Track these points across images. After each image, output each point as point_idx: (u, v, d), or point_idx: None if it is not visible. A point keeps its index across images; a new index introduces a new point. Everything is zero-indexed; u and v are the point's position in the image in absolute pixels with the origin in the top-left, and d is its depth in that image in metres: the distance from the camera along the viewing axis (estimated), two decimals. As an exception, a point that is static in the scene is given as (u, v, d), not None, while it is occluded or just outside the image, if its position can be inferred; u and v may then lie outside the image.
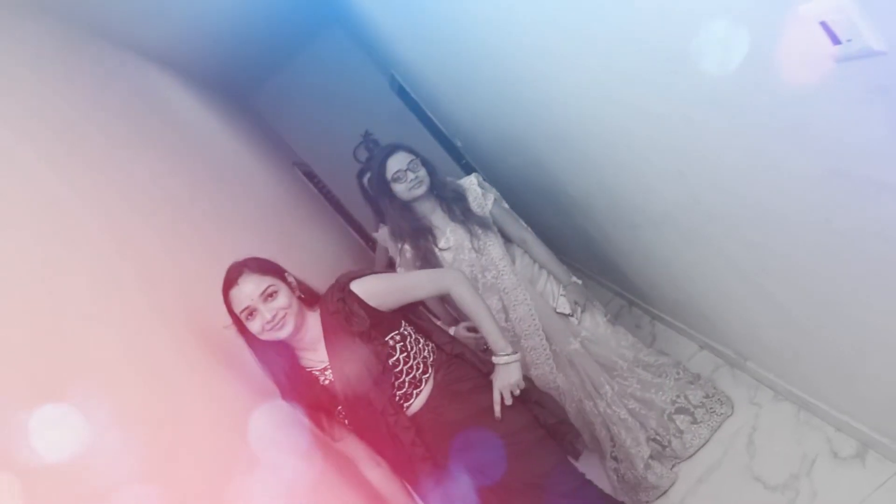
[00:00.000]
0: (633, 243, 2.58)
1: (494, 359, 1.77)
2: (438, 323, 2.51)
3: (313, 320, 1.65)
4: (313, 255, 3.64)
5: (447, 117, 4.59)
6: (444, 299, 2.58)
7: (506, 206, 2.59)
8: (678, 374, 2.58)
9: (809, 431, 2.10)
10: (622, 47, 1.44)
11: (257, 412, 1.52)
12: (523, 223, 2.59)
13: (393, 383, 1.61)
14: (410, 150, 2.43)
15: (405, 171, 2.37)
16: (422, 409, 1.66)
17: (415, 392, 1.66)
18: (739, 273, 1.81)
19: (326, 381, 1.62)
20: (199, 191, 2.58)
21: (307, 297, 1.66)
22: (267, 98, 6.25)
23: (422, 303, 1.87)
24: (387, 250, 3.46)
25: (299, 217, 4.10)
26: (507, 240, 2.55)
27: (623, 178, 2.08)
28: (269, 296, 1.54)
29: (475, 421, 1.68)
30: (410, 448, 1.60)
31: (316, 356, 1.64)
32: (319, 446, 1.64)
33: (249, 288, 1.52)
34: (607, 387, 2.50)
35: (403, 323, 1.71)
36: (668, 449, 2.47)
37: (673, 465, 2.47)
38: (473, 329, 2.27)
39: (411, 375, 1.65)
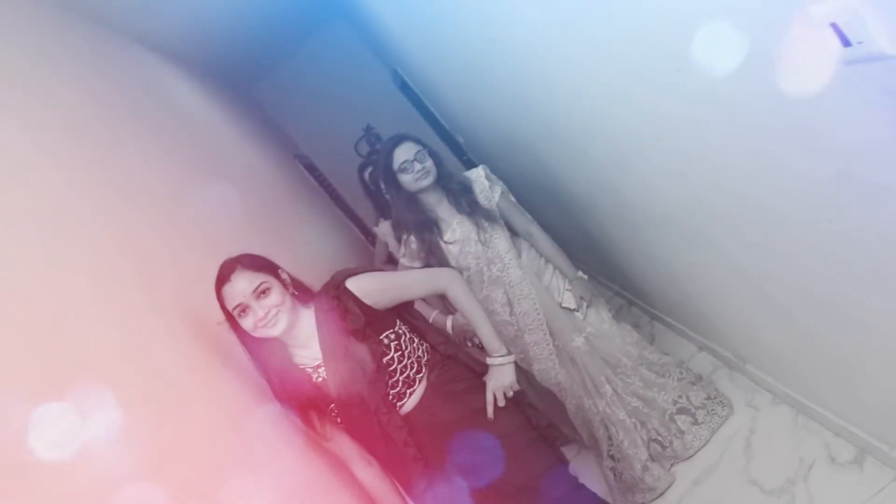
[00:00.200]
0: (634, 243, 2.57)
1: (488, 360, 1.76)
2: (435, 313, 2.50)
3: (307, 317, 1.63)
4: (313, 250, 3.63)
5: (450, 113, 4.57)
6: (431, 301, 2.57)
7: (512, 199, 2.57)
8: (681, 373, 2.57)
9: (807, 436, 2.09)
10: (627, 47, 1.43)
11: (255, 411, 1.51)
12: (529, 217, 2.57)
13: (387, 382, 1.60)
14: (418, 141, 2.41)
15: (412, 161, 2.35)
16: (414, 408, 1.65)
17: (408, 391, 1.65)
18: (740, 274, 1.80)
19: (319, 379, 1.61)
20: (201, 184, 2.57)
21: (301, 294, 1.65)
22: (269, 90, 6.23)
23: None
24: (386, 245, 3.45)
25: (300, 211, 4.09)
26: (514, 233, 2.53)
27: (625, 177, 2.07)
28: (261, 293, 1.52)
29: (468, 422, 1.67)
30: (403, 448, 1.59)
31: (309, 353, 1.63)
32: (315, 446, 1.63)
33: (242, 285, 1.51)
34: (607, 386, 2.49)
35: (398, 322, 1.70)
36: (668, 449, 2.47)
37: (671, 465, 2.47)
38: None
39: (405, 375, 1.64)
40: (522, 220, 2.54)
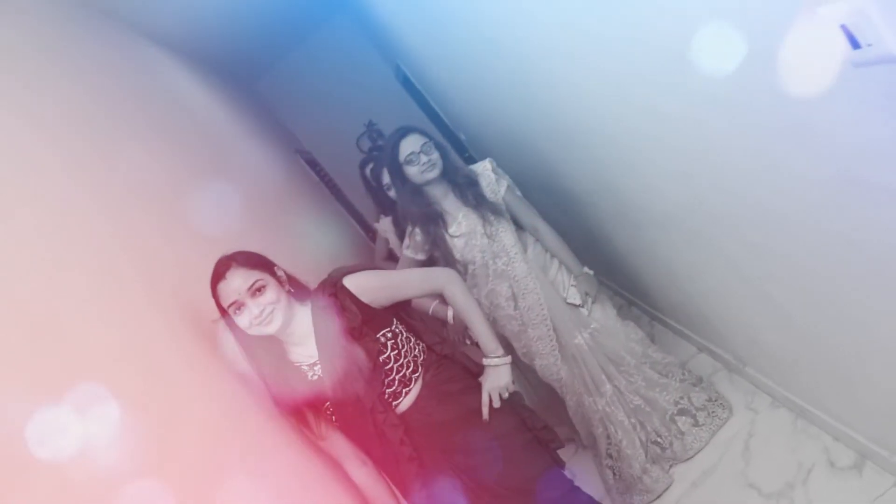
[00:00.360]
0: (635, 242, 2.56)
1: (485, 360, 1.75)
2: (435, 303, 2.48)
3: (303, 315, 1.62)
4: (314, 246, 3.62)
5: (452, 110, 4.55)
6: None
7: (518, 193, 2.55)
8: (683, 374, 2.56)
9: (807, 440, 2.08)
10: (631, 47, 1.41)
11: (255, 411, 1.50)
12: (535, 211, 2.55)
13: (383, 381, 1.59)
14: (424, 133, 2.38)
15: (418, 153, 2.32)
16: (410, 408, 1.64)
17: (404, 391, 1.63)
18: (741, 275, 1.79)
19: (315, 377, 1.60)
20: (203, 180, 2.55)
21: (297, 292, 1.63)
22: (271, 85, 6.21)
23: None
24: (387, 241, 3.44)
25: (301, 207, 4.08)
26: (519, 227, 2.51)
27: (626, 177, 2.06)
28: (256, 290, 1.51)
29: (463, 422, 1.66)
30: (399, 447, 1.58)
31: (305, 351, 1.62)
32: (315, 446, 1.62)
33: (237, 282, 1.50)
34: (608, 385, 2.47)
35: (395, 321, 1.69)
36: (667, 451, 2.46)
37: (670, 467, 2.46)
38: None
39: (401, 374, 1.63)
40: (528, 215, 2.52)
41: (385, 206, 3.22)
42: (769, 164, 1.27)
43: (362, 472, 1.62)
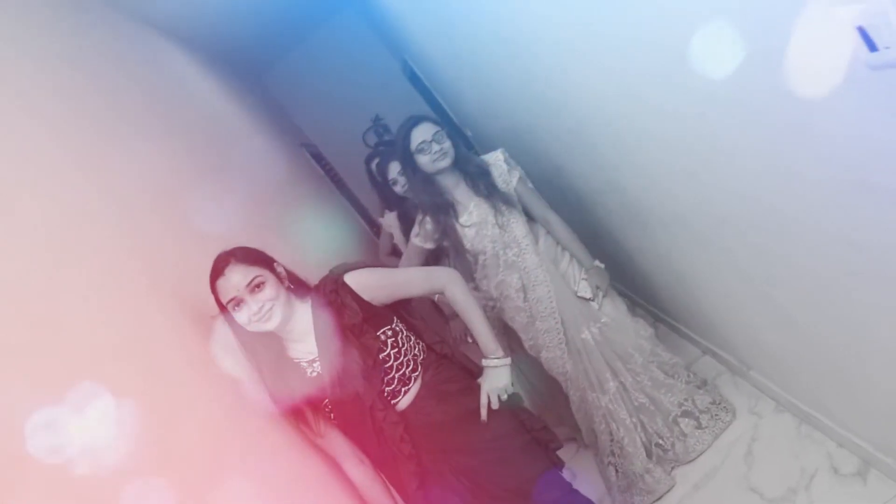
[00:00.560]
0: (642, 243, 2.54)
1: (484, 361, 1.74)
2: (436, 297, 2.47)
3: (303, 312, 1.61)
4: (317, 241, 3.61)
5: (459, 107, 4.54)
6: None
7: (530, 185, 2.53)
8: (689, 376, 2.54)
9: (810, 445, 2.06)
10: (641, 47, 1.40)
11: (255, 410, 1.49)
12: (546, 203, 2.53)
13: (382, 378, 1.58)
14: (436, 122, 2.36)
15: (430, 142, 2.30)
16: (408, 407, 1.63)
17: (403, 390, 1.62)
18: (746, 277, 1.78)
19: (314, 374, 1.59)
20: (207, 174, 2.54)
21: (297, 288, 1.62)
22: (278, 78, 6.21)
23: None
24: (391, 236, 3.43)
25: (305, 201, 4.07)
26: (530, 219, 2.49)
27: (634, 176, 2.04)
28: (255, 287, 1.50)
29: (462, 423, 1.65)
30: (398, 444, 1.57)
31: (304, 348, 1.61)
32: (315, 445, 1.61)
33: (236, 279, 1.48)
34: (611, 382, 2.46)
35: (395, 319, 1.68)
36: (670, 452, 2.44)
37: (672, 469, 2.45)
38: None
39: (401, 372, 1.62)
40: (539, 206, 2.49)
41: (390, 201, 3.21)
42: (776, 166, 1.25)
43: (360, 471, 1.61)
